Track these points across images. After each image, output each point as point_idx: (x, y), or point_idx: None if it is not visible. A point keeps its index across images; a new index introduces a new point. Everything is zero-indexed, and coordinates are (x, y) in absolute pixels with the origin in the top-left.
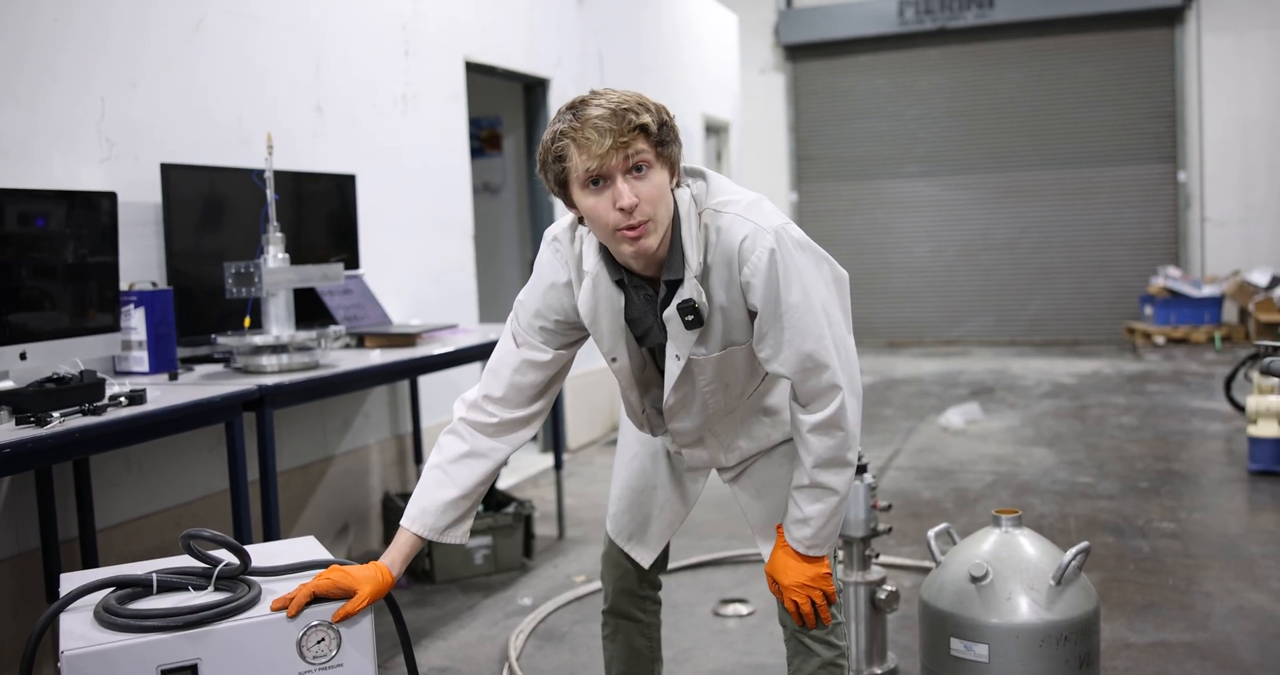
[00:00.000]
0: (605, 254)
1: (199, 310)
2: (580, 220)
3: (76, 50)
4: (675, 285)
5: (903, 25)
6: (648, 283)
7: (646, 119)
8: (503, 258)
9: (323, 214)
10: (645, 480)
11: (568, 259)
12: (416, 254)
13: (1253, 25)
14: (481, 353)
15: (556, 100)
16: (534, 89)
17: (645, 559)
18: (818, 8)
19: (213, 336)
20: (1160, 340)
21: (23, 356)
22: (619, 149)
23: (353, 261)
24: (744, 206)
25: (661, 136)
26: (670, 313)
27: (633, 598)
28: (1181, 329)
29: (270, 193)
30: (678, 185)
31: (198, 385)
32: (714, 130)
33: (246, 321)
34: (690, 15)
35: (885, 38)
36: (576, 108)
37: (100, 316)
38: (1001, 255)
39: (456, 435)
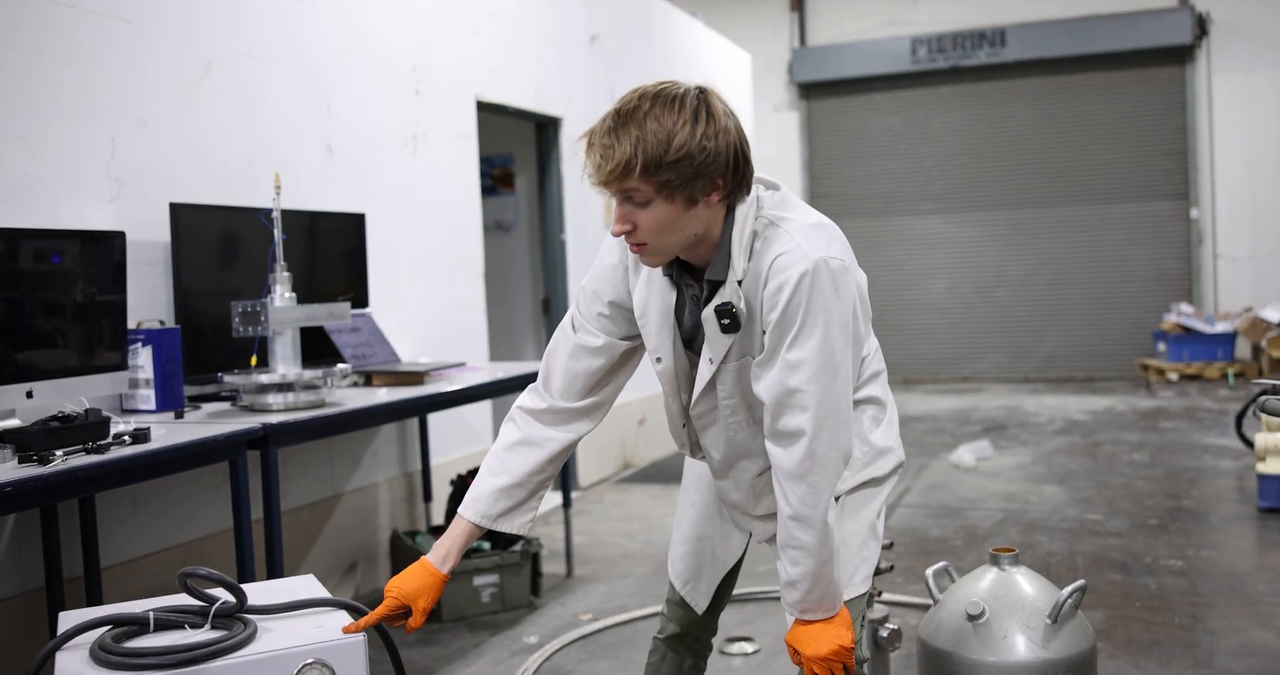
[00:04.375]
0: None
1: (207, 348)
2: None
3: (84, 91)
4: (717, 286)
5: (915, 64)
6: (696, 282)
7: (633, 167)
8: (514, 296)
9: (333, 253)
10: (701, 529)
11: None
12: (426, 292)
13: (1261, 65)
14: (491, 391)
15: (568, 139)
16: (545, 128)
17: (700, 604)
18: (831, 46)
19: (219, 375)
20: (1173, 376)
21: (29, 395)
22: (612, 182)
23: (362, 300)
24: (798, 226)
25: (662, 178)
26: (708, 313)
27: (686, 638)
28: (1195, 365)
29: (278, 233)
30: (721, 202)
31: (203, 424)
32: None
33: (253, 360)
34: (703, 54)
35: (898, 76)
36: (606, 119)
37: (108, 355)
38: (1016, 292)
39: (512, 422)
